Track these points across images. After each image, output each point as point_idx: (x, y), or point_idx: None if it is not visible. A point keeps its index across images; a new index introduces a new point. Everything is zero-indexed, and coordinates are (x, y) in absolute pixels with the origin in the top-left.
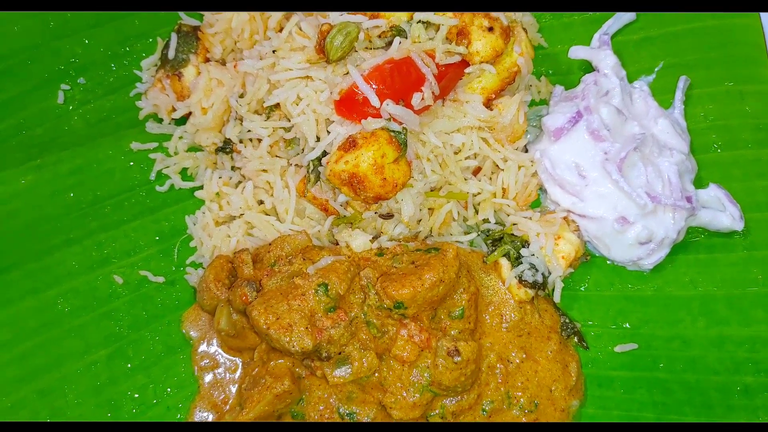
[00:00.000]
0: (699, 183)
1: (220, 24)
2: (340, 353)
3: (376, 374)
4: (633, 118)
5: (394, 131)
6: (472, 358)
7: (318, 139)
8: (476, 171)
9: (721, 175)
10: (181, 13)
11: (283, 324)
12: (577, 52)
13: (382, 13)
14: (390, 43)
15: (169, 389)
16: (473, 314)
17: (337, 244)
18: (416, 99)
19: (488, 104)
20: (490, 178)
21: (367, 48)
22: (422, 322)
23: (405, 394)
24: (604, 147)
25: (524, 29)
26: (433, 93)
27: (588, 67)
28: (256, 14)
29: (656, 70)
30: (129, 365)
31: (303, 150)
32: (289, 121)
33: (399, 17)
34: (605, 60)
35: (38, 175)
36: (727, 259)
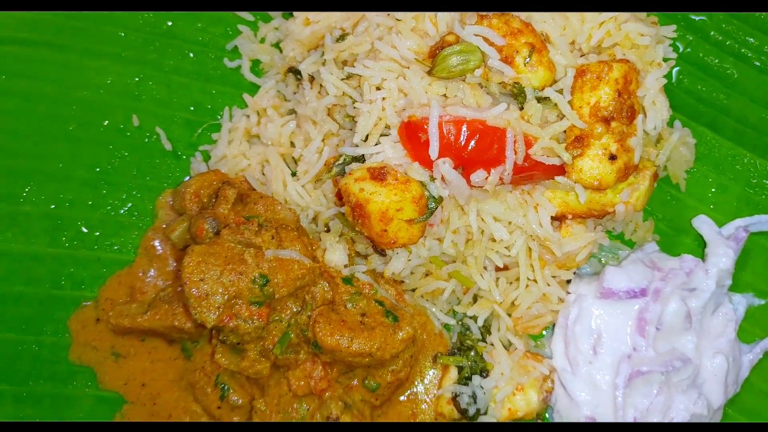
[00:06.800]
0: None
1: None
2: (238, 343)
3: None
4: (695, 334)
5: (430, 195)
6: None
7: (367, 138)
8: (503, 268)
9: None
10: None
11: (202, 289)
12: (701, 225)
13: (516, 63)
14: (507, 94)
15: (111, 244)
16: (386, 395)
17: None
18: (478, 175)
19: (559, 217)
20: (511, 283)
21: (480, 84)
22: (329, 372)
23: (274, 415)
24: (637, 343)
25: (656, 173)
26: (501, 179)
27: (702, 242)
28: None
29: None
30: (90, 202)
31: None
32: (361, 96)
33: (530, 78)
34: (719, 258)
35: None
36: None
